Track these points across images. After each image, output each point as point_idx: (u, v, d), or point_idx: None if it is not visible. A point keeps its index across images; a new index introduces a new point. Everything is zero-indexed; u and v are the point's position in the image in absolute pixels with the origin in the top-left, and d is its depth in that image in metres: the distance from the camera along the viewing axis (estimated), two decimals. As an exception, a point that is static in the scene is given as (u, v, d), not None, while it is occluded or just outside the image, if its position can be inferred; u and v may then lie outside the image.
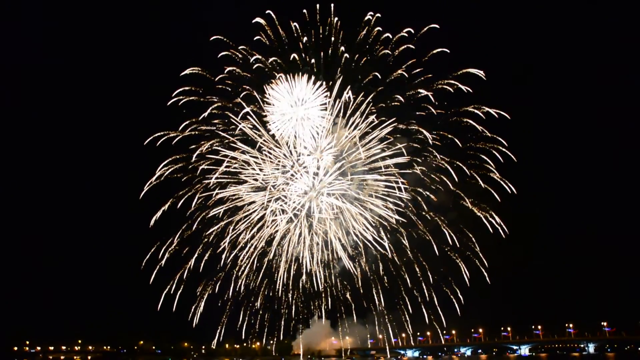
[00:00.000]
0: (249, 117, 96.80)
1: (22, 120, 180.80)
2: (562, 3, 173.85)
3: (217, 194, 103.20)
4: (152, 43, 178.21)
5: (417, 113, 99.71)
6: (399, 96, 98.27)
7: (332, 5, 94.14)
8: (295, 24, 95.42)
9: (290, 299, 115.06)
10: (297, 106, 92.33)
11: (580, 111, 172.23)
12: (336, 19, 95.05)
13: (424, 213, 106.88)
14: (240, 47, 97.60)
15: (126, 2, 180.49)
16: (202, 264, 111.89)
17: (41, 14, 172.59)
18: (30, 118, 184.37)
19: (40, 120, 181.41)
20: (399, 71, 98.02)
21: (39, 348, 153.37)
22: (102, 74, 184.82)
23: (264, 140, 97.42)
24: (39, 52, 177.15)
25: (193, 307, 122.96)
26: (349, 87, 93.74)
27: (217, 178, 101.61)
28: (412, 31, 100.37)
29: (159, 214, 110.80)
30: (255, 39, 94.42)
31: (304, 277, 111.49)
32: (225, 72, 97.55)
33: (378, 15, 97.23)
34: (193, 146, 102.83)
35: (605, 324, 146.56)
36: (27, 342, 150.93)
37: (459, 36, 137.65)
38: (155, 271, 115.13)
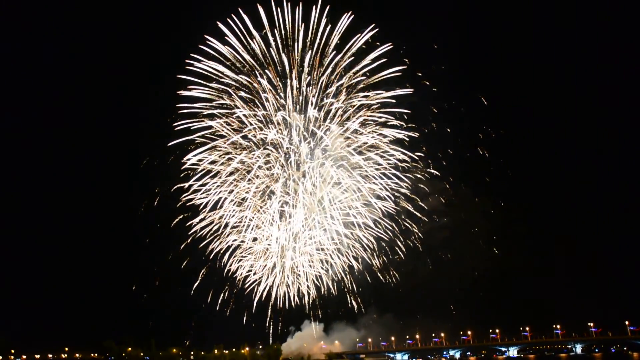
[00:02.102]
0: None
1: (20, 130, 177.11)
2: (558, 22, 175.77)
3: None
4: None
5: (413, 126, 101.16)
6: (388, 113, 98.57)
7: (325, 20, 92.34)
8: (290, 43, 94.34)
9: (280, 304, 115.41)
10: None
11: (573, 123, 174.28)
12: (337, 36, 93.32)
13: (417, 221, 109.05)
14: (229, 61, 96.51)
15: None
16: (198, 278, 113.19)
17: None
18: (28, 126, 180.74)
19: (37, 133, 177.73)
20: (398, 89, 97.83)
21: (24, 357, 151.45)
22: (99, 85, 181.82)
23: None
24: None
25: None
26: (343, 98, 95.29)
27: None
28: (405, 47, 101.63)
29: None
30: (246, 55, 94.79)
31: (294, 283, 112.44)
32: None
33: (376, 30, 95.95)
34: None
35: (592, 324, 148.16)
36: (12, 351, 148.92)
37: (455, 54, 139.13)
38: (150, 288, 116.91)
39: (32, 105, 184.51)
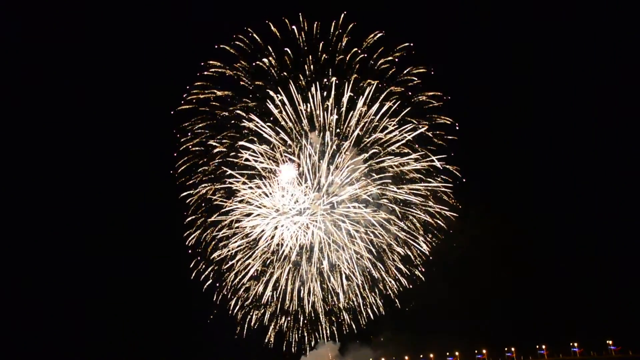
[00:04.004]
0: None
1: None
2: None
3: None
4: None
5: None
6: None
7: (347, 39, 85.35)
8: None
9: (293, 323, 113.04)
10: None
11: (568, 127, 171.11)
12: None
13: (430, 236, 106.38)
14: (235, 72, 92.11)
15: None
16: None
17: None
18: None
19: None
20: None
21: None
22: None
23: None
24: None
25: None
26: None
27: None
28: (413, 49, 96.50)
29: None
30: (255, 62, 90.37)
31: (308, 301, 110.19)
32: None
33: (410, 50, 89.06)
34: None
35: (610, 342, 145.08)
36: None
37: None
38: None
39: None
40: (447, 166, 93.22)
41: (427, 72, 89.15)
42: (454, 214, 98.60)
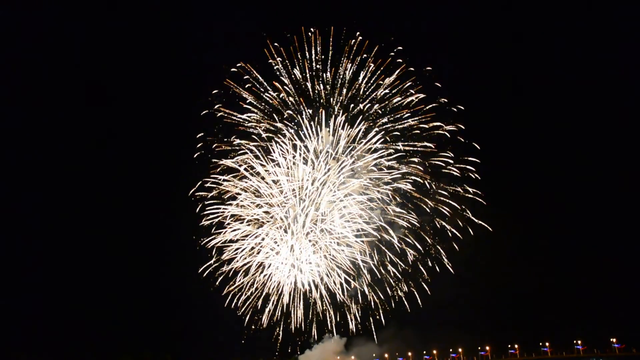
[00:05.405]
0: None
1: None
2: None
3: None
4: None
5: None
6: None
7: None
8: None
9: (296, 318, 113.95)
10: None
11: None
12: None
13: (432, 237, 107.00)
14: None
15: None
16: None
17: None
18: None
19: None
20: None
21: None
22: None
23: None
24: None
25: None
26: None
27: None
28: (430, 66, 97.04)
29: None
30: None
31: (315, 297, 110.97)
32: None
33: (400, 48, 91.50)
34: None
35: (614, 340, 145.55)
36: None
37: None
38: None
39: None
40: (473, 174, 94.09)
41: (438, 77, 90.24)
42: (475, 220, 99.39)
